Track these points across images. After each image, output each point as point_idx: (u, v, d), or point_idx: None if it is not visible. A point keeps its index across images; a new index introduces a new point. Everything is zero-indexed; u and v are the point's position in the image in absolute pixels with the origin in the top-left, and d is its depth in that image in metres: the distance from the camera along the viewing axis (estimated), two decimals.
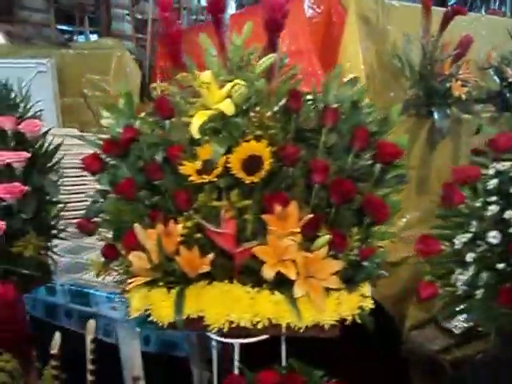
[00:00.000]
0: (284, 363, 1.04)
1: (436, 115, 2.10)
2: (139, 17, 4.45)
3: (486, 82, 2.25)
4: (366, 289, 0.93)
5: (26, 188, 1.12)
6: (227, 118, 0.85)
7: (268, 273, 0.85)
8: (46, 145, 1.17)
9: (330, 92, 0.95)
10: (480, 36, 2.36)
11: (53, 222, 1.20)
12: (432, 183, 2.08)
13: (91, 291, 1.47)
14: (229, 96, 0.82)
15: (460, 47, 2.14)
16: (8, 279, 1.15)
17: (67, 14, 4.26)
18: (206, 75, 0.83)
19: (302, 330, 0.90)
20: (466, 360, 1.84)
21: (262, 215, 0.89)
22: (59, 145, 1.18)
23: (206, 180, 0.86)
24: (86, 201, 1.16)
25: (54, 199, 1.16)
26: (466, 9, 2.54)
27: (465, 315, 1.10)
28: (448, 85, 2.16)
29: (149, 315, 0.95)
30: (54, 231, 1.21)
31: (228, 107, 0.80)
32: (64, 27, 4.76)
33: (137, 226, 0.92)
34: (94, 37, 5.06)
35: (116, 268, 1.03)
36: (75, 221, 1.09)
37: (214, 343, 1.10)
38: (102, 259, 1.02)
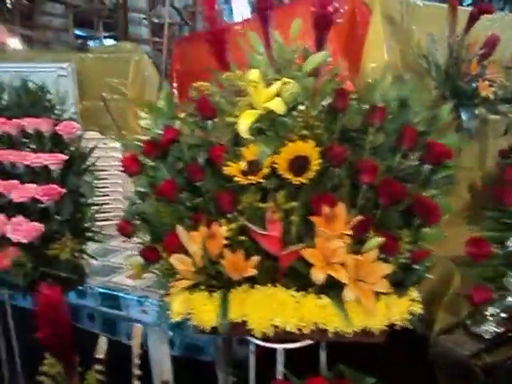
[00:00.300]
0: (324, 368, 1.01)
1: (463, 116, 2.05)
2: (156, 21, 4.48)
3: (510, 82, 2.21)
4: (415, 293, 0.90)
5: (63, 190, 1.11)
6: (275, 117, 0.83)
7: (317, 276, 0.83)
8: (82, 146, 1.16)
9: (375, 91, 0.92)
10: (504, 35, 2.32)
11: (87, 224, 1.19)
12: (459, 184, 2.04)
13: (121, 294, 1.45)
14: (278, 95, 0.79)
15: (486, 46, 2.10)
16: (44, 282, 1.14)
17: (83, 19, 4.29)
18: (254, 74, 0.81)
19: (349, 335, 0.87)
20: (496, 365, 1.79)
21: (308, 217, 0.87)
22: (95, 147, 1.17)
23: (253, 181, 0.84)
24: (108, 203, 1.15)
25: (90, 201, 1.15)
26: (495, 8, 2.49)
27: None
28: (474, 85, 2.12)
29: (187, 319, 0.94)
30: (89, 233, 1.20)
31: (278, 106, 0.78)
32: (79, 32, 4.81)
33: (179, 228, 0.91)
34: (108, 41, 5.11)
35: (154, 271, 1.02)
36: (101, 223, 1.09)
37: (252, 348, 1.08)
38: (141, 261, 1.01)
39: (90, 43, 4.99)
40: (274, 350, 0.97)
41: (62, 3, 4.01)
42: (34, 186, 1.12)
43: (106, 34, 4.87)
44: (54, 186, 1.11)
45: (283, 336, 0.91)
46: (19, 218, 1.12)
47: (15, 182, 1.15)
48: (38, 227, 1.09)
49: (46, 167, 1.13)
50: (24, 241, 1.07)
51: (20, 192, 1.11)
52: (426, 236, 0.88)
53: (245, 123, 0.80)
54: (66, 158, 1.13)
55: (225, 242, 0.87)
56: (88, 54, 3.59)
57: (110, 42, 5.12)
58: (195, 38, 4.21)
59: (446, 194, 0.93)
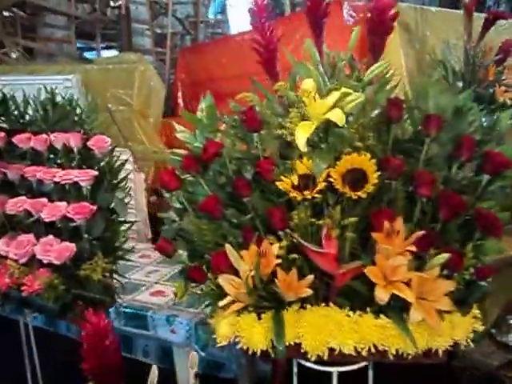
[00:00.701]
0: None
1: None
2: (158, 31, 4.45)
3: None
4: (476, 310, 0.86)
5: (95, 207, 1.06)
6: (331, 129, 0.79)
7: (381, 296, 0.78)
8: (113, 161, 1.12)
9: (429, 99, 0.89)
10: None
11: (118, 243, 1.14)
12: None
13: (149, 314, 1.40)
14: (335, 106, 0.76)
15: (502, 52, 2.09)
16: (76, 304, 1.09)
17: (85, 30, 4.26)
18: (308, 83, 0.77)
19: (410, 357, 0.83)
20: None
21: (364, 232, 0.83)
22: (125, 161, 1.12)
23: (308, 196, 0.80)
24: None
25: (122, 218, 1.10)
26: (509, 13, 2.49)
27: None
28: (491, 90, 2.10)
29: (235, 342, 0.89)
30: (120, 252, 1.14)
31: (339, 117, 0.74)
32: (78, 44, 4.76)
33: (228, 247, 0.86)
34: (107, 52, 5.07)
35: (196, 291, 0.97)
36: None
37: (295, 369, 1.03)
38: (184, 282, 0.96)
39: (87, 55, 4.96)
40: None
41: (64, 15, 3.98)
42: (64, 204, 1.07)
43: (103, 45, 4.83)
44: (85, 203, 1.06)
45: (339, 358, 0.86)
46: (49, 238, 1.07)
47: (43, 200, 1.10)
48: (70, 247, 1.04)
49: (75, 184, 1.09)
50: (56, 262, 1.02)
51: (50, 211, 1.06)
52: (488, 250, 0.84)
53: (302, 136, 0.76)
54: (97, 173, 1.08)
55: (277, 260, 0.83)
56: (93, 65, 3.56)
57: (108, 53, 5.08)
58: (200, 48, 4.20)
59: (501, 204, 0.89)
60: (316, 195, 0.80)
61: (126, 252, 1.15)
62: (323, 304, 0.87)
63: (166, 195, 1.07)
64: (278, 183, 0.83)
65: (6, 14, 3.70)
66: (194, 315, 1.38)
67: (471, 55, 2.12)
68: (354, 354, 0.84)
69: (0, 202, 1.13)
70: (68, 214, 1.05)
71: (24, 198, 1.13)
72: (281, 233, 0.85)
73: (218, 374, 1.66)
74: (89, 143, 1.07)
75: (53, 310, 1.05)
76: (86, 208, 1.05)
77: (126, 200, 1.09)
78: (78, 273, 1.07)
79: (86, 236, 1.07)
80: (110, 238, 1.11)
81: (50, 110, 1.15)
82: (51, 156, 1.18)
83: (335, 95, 0.75)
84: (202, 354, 1.37)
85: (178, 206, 1.03)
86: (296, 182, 0.83)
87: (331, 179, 0.82)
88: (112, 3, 4.06)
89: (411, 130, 0.91)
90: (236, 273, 0.87)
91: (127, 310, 1.43)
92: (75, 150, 1.11)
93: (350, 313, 0.85)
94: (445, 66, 2.16)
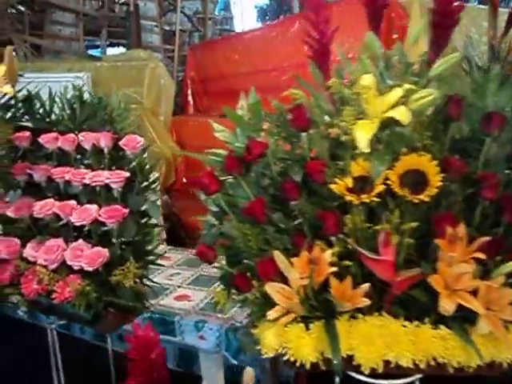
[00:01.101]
0: None
1: None
2: (167, 28, 4.40)
3: None
4: None
5: (127, 211, 1.01)
6: (391, 127, 0.74)
7: (447, 306, 0.73)
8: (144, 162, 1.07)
9: (487, 96, 0.84)
10: None
11: (149, 247, 1.09)
12: None
13: (176, 319, 1.35)
14: (398, 103, 0.70)
15: None
16: (107, 312, 1.04)
17: (92, 27, 4.21)
18: (368, 79, 0.72)
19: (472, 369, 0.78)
20: None
21: (422, 238, 0.78)
22: (157, 162, 1.07)
23: (367, 200, 0.75)
24: None
25: (155, 221, 1.05)
26: None
27: None
28: None
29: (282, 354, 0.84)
30: (151, 257, 1.10)
31: (404, 115, 0.69)
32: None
33: (277, 254, 0.81)
34: (113, 50, 5.01)
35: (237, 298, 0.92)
36: None
37: (337, 380, 0.98)
38: (225, 290, 0.92)
39: (92, 52, 4.90)
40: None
41: (72, 12, 3.92)
42: (94, 206, 1.02)
43: (108, 43, 4.77)
44: (117, 206, 1.01)
45: (394, 371, 0.81)
46: (79, 243, 1.02)
47: (72, 202, 1.05)
48: (103, 252, 0.99)
49: (106, 186, 1.04)
50: (89, 268, 0.97)
51: (81, 214, 1.01)
52: None
53: (364, 135, 0.71)
54: (128, 175, 1.03)
55: (332, 268, 0.78)
56: (103, 63, 3.51)
57: (113, 50, 5.02)
58: (210, 45, 4.15)
59: None
60: (374, 199, 0.75)
61: (158, 256, 1.10)
62: (376, 313, 0.82)
63: (202, 198, 1.02)
64: (331, 186, 0.78)
65: (13, 10, 3.65)
66: (223, 321, 1.33)
67: (497, 51, 2.07)
68: (411, 366, 0.79)
69: (26, 205, 1.08)
70: (100, 218, 1.00)
71: (52, 200, 1.08)
72: (333, 238, 0.81)
73: (239, 378, 1.62)
74: (121, 143, 1.02)
75: (83, 318, 1.00)
76: (118, 211, 1.00)
77: None
78: (108, 279, 1.02)
79: (117, 240, 1.02)
80: (141, 242, 1.06)
81: (78, 108, 1.10)
82: (77, 157, 1.13)
83: (398, 92, 0.70)
84: (234, 361, 1.33)
85: (214, 209, 0.98)
86: (350, 185, 0.78)
87: (388, 181, 0.77)
88: None
89: (466, 128, 0.86)
90: (283, 280, 0.82)
91: (154, 316, 1.39)
92: (105, 150, 1.06)
93: (406, 323, 0.80)
94: (469, 62, 2.11)
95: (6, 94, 1.10)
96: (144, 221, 1.07)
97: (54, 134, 1.12)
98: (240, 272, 0.86)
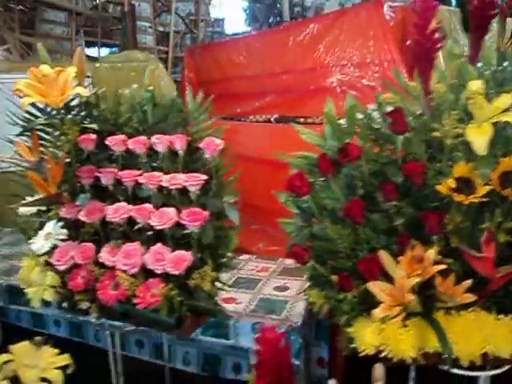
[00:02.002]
0: None
1: None
2: (161, 29, 4.35)
3: None
4: None
5: (208, 214, 1.01)
6: (499, 131, 0.78)
7: None
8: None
9: None
10: None
11: (224, 250, 1.09)
12: None
13: (231, 322, 1.35)
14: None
15: None
16: (186, 315, 1.04)
17: (85, 28, 4.11)
18: (476, 84, 0.76)
19: None
20: None
21: None
22: (233, 162, 1.08)
23: (475, 200, 0.79)
24: None
25: (235, 224, 1.05)
26: None
27: None
28: None
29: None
30: (225, 259, 1.10)
31: None
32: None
33: (383, 253, 0.84)
34: (105, 50, 4.92)
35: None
36: None
37: (413, 375, 1.02)
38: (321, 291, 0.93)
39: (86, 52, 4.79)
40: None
41: (64, 10, 3.82)
42: (172, 210, 1.02)
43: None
44: (197, 209, 1.01)
45: (492, 363, 0.86)
46: (158, 247, 1.01)
47: (148, 206, 1.04)
48: (187, 256, 0.98)
49: (182, 189, 1.03)
50: (175, 272, 0.96)
51: (161, 218, 1.00)
52: None
53: (481, 139, 0.75)
54: (206, 177, 1.03)
55: (440, 266, 0.81)
56: (102, 63, 3.44)
57: (105, 50, 4.93)
58: (211, 48, 4.13)
59: None
60: (482, 199, 0.79)
61: (231, 259, 1.10)
62: (470, 309, 0.86)
63: (282, 200, 1.03)
64: (437, 187, 0.81)
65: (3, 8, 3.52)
66: (280, 322, 1.34)
67: (508, 58, 2.17)
68: (508, 358, 0.84)
69: (98, 209, 1.06)
70: (182, 221, 0.99)
71: (124, 204, 1.06)
72: (434, 237, 0.84)
73: None
74: (201, 145, 1.02)
75: (165, 323, 0.99)
76: (199, 214, 0.99)
77: None
78: (187, 282, 1.01)
79: (196, 243, 1.02)
80: (218, 244, 1.06)
81: (149, 110, 1.09)
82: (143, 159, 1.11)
83: (507, 98, 0.75)
84: (297, 362, 1.34)
85: (296, 211, 1.00)
86: (453, 186, 0.82)
87: (490, 182, 0.81)
88: None
89: None
90: (386, 279, 0.85)
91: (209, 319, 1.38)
92: (180, 153, 1.05)
93: (501, 316, 0.85)
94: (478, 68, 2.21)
95: (74, 97, 1.08)
96: (219, 223, 1.07)
97: (121, 137, 1.10)
98: (343, 273, 0.88)
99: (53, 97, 1.04)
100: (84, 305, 1.07)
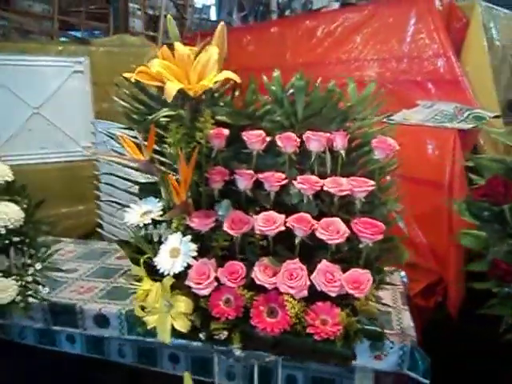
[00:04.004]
0: None
1: None
2: (150, 12, 4.03)
3: None
4: None
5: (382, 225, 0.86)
6: None
7: None
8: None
9: None
10: None
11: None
12: None
13: None
14: None
15: None
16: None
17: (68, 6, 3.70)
18: None
19: None
20: None
21: None
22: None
23: None
24: None
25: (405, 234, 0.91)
26: None
27: None
28: None
29: None
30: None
31: None
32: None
33: None
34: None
35: None
36: None
37: None
38: None
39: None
40: None
41: None
42: (338, 220, 0.86)
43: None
44: (370, 220, 0.86)
45: None
46: (326, 265, 0.85)
47: (306, 215, 0.87)
48: (367, 275, 0.83)
49: (346, 196, 0.88)
50: (360, 295, 0.81)
51: (331, 231, 0.84)
52: None
53: None
54: (374, 183, 0.88)
55: None
56: (98, 47, 3.11)
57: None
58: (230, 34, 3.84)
59: None
60: None
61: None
62: None
63: (455, 207, 0.91)
64: None
65: None
66: (400, 337, 1.22)
67: None
68: None
69: (243, 220, 0.87)
70: (359, 234, 0.84)
71: (272, 212, 0.88)
72: None
73: None
74: (374, 145, 0.87)
75: (339, 355, 0.84)
76: (376, 226, 0.85)
77: None
78: (354, 304, 0.87)
79: (365, 259, 0.87)
80: (384, 258, 0.92)
81: (300, 102, 0.91)
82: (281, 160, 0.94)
83: None
84: (426, 381, 1.22)
85: (475, 221, 0.88)
86: None
87: None
88: None
89: None
90: None
91: None
92: (342, 152, 0.89)
93: None
94: None
95: (222, 83, 0.88)
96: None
97: (259, 132, 0.92)
98: None
99: (191, 82, 0.84)
100: (222, 334, 0.89)
